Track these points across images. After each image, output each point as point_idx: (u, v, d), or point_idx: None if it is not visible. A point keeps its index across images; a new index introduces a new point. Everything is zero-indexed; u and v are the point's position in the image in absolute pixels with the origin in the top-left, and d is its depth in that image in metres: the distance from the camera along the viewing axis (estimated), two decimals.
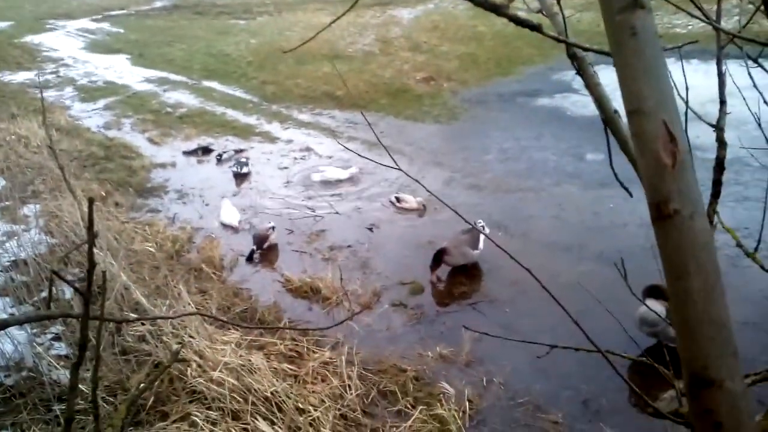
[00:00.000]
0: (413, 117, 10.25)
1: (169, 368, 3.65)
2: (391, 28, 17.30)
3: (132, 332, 4.54)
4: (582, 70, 1.76)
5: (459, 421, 3.83)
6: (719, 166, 1.78)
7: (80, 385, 3.95)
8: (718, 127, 1.81)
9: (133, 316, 4.44)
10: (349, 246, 6.24)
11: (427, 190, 2.62)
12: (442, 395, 4.10)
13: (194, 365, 4.09)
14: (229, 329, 4.67)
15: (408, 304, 5.24)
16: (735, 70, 2.19)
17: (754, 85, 2.18)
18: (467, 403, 4.02)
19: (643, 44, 0.80)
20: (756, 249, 2.35)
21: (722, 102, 1.81)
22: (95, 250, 4.70)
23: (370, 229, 6.56)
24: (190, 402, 3.94)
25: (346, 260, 5.97)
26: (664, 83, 0.77)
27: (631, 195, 1.92)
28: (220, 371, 4.01)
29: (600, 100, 1.72)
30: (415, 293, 5.39)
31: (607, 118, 1.71)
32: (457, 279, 5.54)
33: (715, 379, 0.63)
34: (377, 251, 6.11)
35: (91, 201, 1.25)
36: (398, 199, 6.94)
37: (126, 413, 1.83)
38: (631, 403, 3.94)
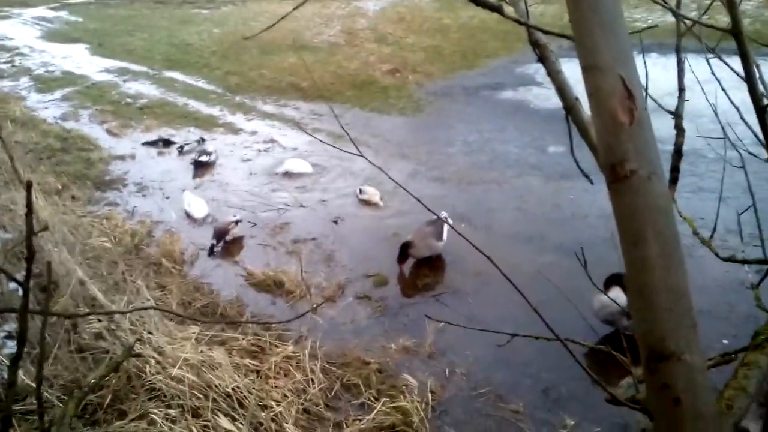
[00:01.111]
0: (379, 109, 10.21)
1: (121, 364, 3.57)
2: (357, 19, 17.19)
3: (88, 329, 4.42)
4: (544, 58, 1.76)
5: (421, 413, 3.85)
6: (677, 152, 1.80)
7: (33, 384, 3.84)
8: (677, 114, 1.83)
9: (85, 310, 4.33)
10: (313, 239, 6.19)
11: (393, 180, 2.61)
12: (405, 387, 4.10)
13: (153, 362, 4.01)
14: (190, 324, 4.59)
15: (372, 296, 5.23)
16: (692, 64, 2.22)
17: (712, 73, 2.21)
18: (430, 395, 4.03)
19: None
20: (711, 237, 2.41)
21: (681, 89, 1.83)
22: (50, 246, 4.54)
23: (335, 222, 6.53)
24: (149, 400, 3.86)
25: (311, 253, 5.92)
26: (621, 38, 0.72)
27: (591, 182, 1.93)
28: (179, 368, 3.93)
29: (561, 88, 1.71)
30: (379, 285, 5.39)
31: (568, 105, 1.70)
32: (421, 271, 5.56)
33: (674, 352, 0.60)
34: (342, 244, 6.09)
35: (29, 184, 1.20)
36: (361, 191, 6.92)
37: (75, 411, 1.78)
38: (589, 391, 4.01)
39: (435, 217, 5.35)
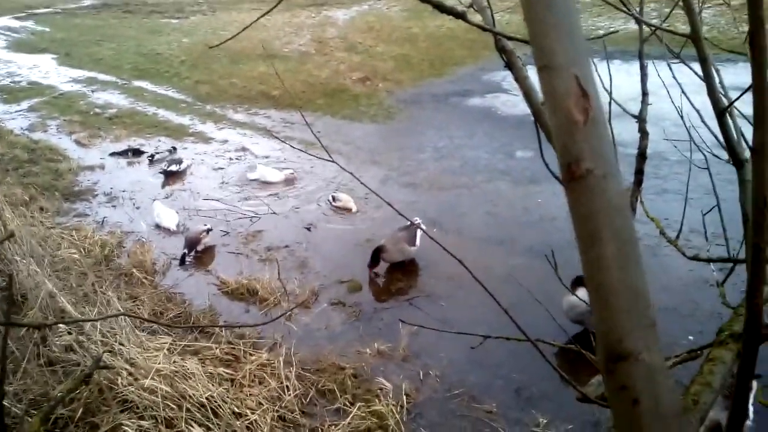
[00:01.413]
0: (350, 117, 10.26)
1: (89, 377, 3.52)
2: (327, 28, 17.25)
3: (58, 342, 4.36)
4: (511, 64, 1.80)
5: (397, 416, 3.88)
6: (642, 155, 1.85)
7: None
8: (641, 118, 1.88)
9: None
10: (286, 246, 6.20)
11: (366, 186, 2.66)
12: (380, 391, 4.14)
13: (125, 374, 3.97)
14: (162, 335, 4.55)
15: (346, 302, 5.25)
16: (656, 69, 2.31)
17: (674, 77, 2.31)
18: (405, 398, 4.07)
19: None
20: (677, 237, 2.51)
21: (644, 93, 1.88)
22: (18, 258, 4.45)
23: (308, 229, 6.54)
24: (122, 412, 3.82)
25: (284, 260, 5.92)
26: (576, 36, 0.71)
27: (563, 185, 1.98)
28: (152, 379, 3.90)
29: (528, 93, 1.74)
30: (353, 291, 5.41)
31: (535, 110, 1.74)
32: (395, 275, 5.60)
33: (632, 352, 0.58)
34: (315, 251, 6.10)
35: None
36: (334, 198, 6.94)
37: (40, 426, 1.76)
38: (561, 390, 4.09)
39: (408, 222, 5.41)
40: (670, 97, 2.29)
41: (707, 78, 1.62)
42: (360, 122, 10.02)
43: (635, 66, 2.21)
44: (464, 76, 12.26)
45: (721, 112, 1.62)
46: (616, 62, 10.49)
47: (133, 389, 3.87)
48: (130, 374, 4.00)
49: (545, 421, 3.85)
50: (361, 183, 2.28)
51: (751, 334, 0.82)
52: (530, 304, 3.59)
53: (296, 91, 11.50)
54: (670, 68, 2.32)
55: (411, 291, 5.39)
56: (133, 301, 5.18)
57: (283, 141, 6.86)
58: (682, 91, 2.26)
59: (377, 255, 5.48)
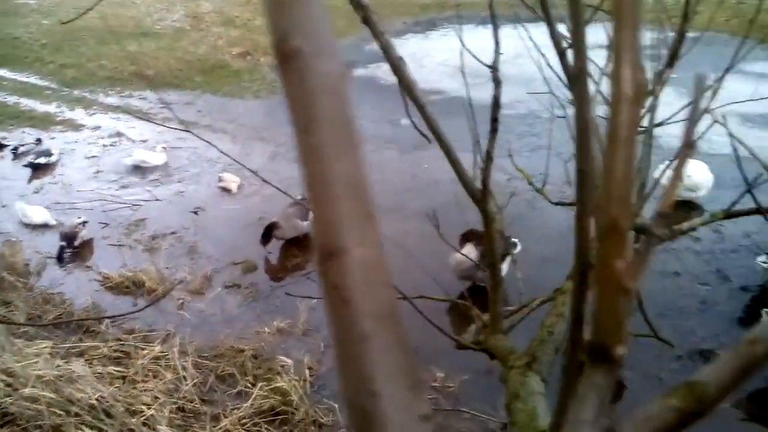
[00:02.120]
0: (232, 93, 9.93)
1: None
2: (201, 2, 16.45)
3: None
4: (366, 18, 1.81)
5: (300, 390, 3.89)
6: (496, 104, 1.91)
7: None
8: (494, 68, 1.94)
9: None
10: (173, 233, 5.96)
11: (246, 168, 2.58)
12: (281, 368, 4.12)
13: (1, 384, 3.69)
14: (41, 339, 4.26)
15: (242, 283, 5.16)
16: (520, 33, 2.40)
17: (530, 38, 2.41)
18: (307, 371, 4.09)
19: None
20: (543, 186, 2.66)
21: (497, 43, 1.94)
22: None
23: (195, 213, 6.31)
24: (2, 426, 3.56)
25: (171, 248, 5.70)
26: None
27: (429, 141, 2.03)
28: (32, 386, 3.65)
29: (386, 48, 1.77)
30: (248, 272, 5.33)
31: (394, 66, 1.77)
32: (290, 251, 5.56)
33: (344, 247, 0.52)
34: (205, 235, 5.91)
35: None
36: (220, 179, 6.74)
37: None
38: (453, 344, 4.25)
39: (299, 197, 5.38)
40: (533, 58, 2.39)
41: (549, 23, 1.69)
42: (242, 98, 9.73)
43: (509, 30, 2.29)
44: (346, 47, 12.14)
45: (562, 52, 1.71)
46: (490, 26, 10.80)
47: (11, 400, 3.61)
48: (8, 385, 3.73)
49: (442, 375, 4.02)
50: (238, 163, 2.23)
51: (580, 255, 0.85)
52: (422, 265, 3.71)
53: (172, 69, 10.94)
54: (526, 28, 2.43)
55: (307, 265, 5.38)
56: (6, 307, 4.79)
57: (160, 123, 6.55)
58: (536, 46, 2.37)
59: (269, 232, 5.40)
